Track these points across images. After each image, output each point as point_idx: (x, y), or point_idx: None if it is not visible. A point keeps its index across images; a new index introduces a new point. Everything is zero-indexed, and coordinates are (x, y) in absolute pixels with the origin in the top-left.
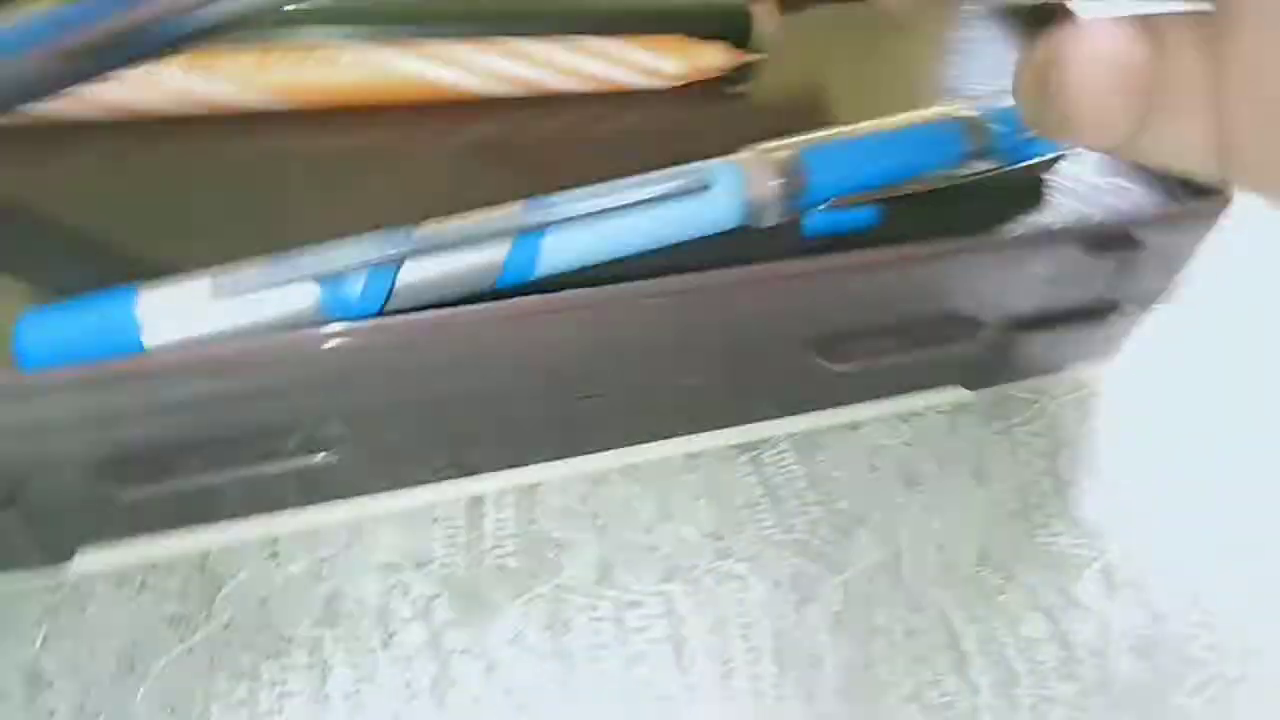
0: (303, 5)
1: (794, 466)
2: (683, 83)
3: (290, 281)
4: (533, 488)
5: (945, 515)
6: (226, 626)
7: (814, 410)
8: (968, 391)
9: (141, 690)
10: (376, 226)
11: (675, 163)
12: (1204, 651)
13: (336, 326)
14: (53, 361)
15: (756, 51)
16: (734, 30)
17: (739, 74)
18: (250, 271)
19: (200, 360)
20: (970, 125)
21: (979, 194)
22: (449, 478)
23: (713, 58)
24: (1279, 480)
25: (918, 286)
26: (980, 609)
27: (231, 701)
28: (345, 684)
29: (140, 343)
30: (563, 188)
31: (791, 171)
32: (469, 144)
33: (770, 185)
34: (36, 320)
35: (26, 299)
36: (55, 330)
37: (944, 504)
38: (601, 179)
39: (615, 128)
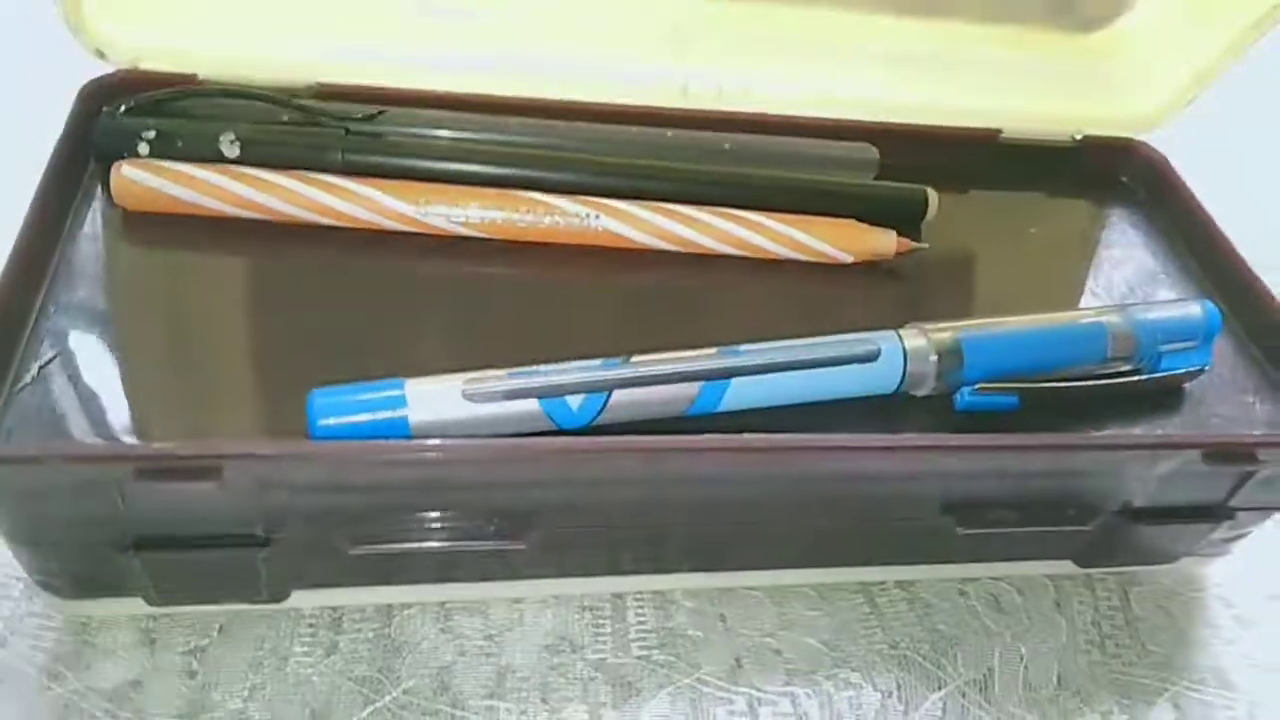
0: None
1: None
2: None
3: (528, 393)
4: (669, 591)
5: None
6: (408, 691)
7: (933, 563)
8: (1077, 567)
9: None
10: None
11: (828, 329)
12: None
13: (556, 440)
14: (334, 434)
15: (921, 239)
16: (908, 213)
17: (904, 255)
18: (495, 380)
19: (453, 452)
20: (1115, 331)
21: (1117, 395)
22: (598, 574)
23: (881, 245)
24: None
25: (1046, 470)
26: None
27: None
28: None
29: (408, 424)
30: (726, 338)
31: (949, 351)
32: (648, 290)
33: (930, 360)
34: (326, 396)
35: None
36: (341, 408)
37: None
38: (758, 336)
39: (775, 291)
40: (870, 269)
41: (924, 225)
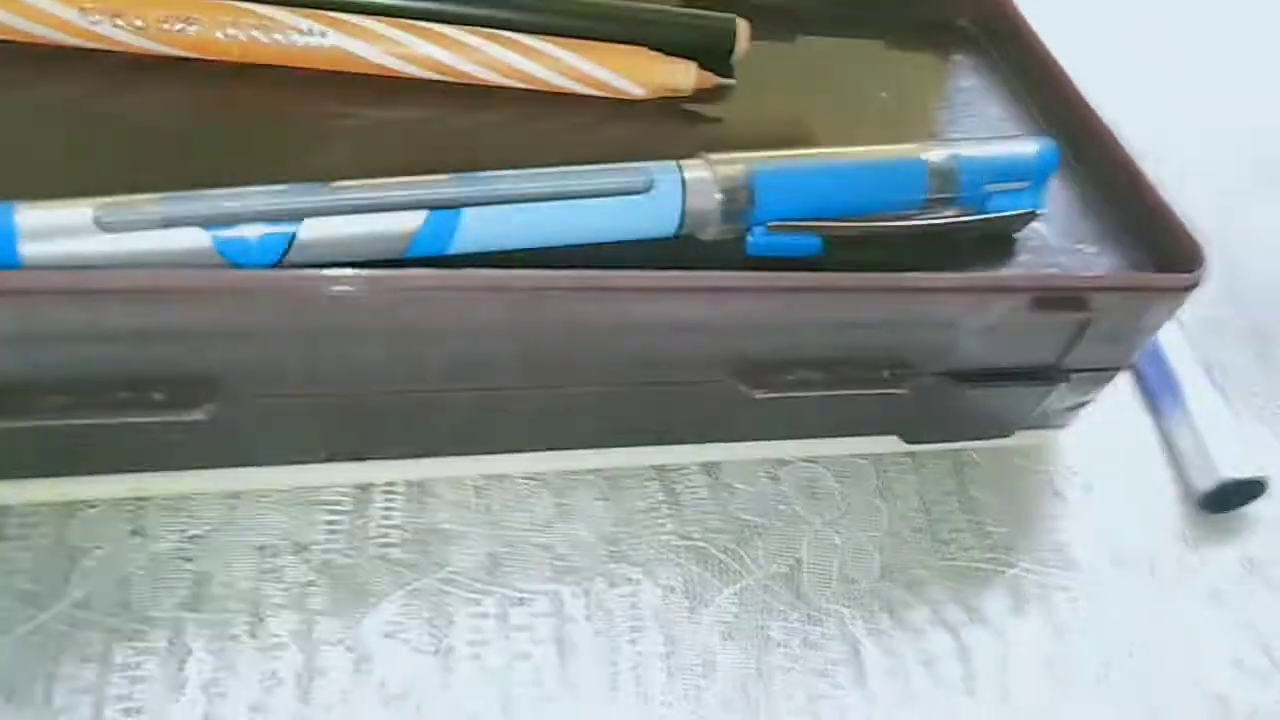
0: None
1: (702, 490)
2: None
3: (183, 222)
4: (428, 481)
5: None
6: (80, 605)
7: (731, 441)
8: (903, 443)
9: None
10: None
11: None
12: None
13: (230, 272)
14: None
15: (728, 75)
16: (714, 45)
17: (706, 94)
18: (142, 206)
19: (74, 284)
20: (937, 169)
21: (937, 241)
22: (338, 459)
23: (677, 78)
24: None
25: (851, 320)
26: None
27: (77, 685)
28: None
29: (16, 253)
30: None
31: (739, 186)
32: (393, 127)
33: (715, 197)
34: None
35: None
36: None
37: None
38: None
39: (558, 127)
40: (667, 107)
41: (735, 65)
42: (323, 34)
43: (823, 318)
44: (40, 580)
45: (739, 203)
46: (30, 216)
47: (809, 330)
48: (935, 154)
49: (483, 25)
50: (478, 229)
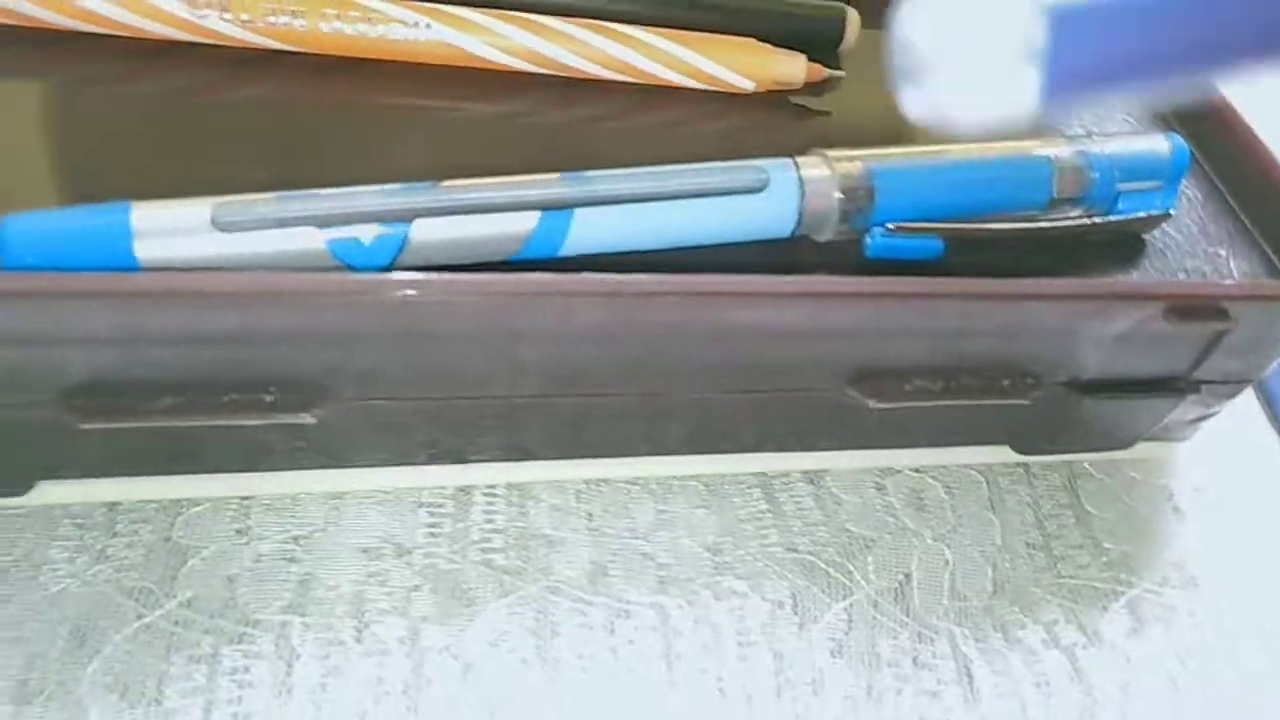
0: None
1: (806, 500)
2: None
3: (297, 222)
4: (528, 484)
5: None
6: (188, 605)
7: (837, 449)
8: (1014, 453)
9: (91, 666)
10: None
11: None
12: None
13: (343, 276)
14: (37, 265)
15: (837, 67)
16: (823, 36)
17: (813, 86)
18: (257, 205)
19: (190, 287)
20: (1064, 167)
21: (1063, 243)
22: (438, 461)
23: (788, 71)
24: None
25: (975, 328)
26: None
27: (187, 686)
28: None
29: (133, 255)
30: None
31: (859, 184)
32: (495, 122)
33: (835, 196)
34: (22, 220)
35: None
36: (43, 232)
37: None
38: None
39: (660, 121)
40: (775, 101)
41: (842, 53)
42: (426, 26)
43: (942, 325)
44: (149, 578)
45: (858, 202)
46: (146, 216)
47: (927, 337)
48: (1062, 151)
49: (584, 17)
50: (589, 230)
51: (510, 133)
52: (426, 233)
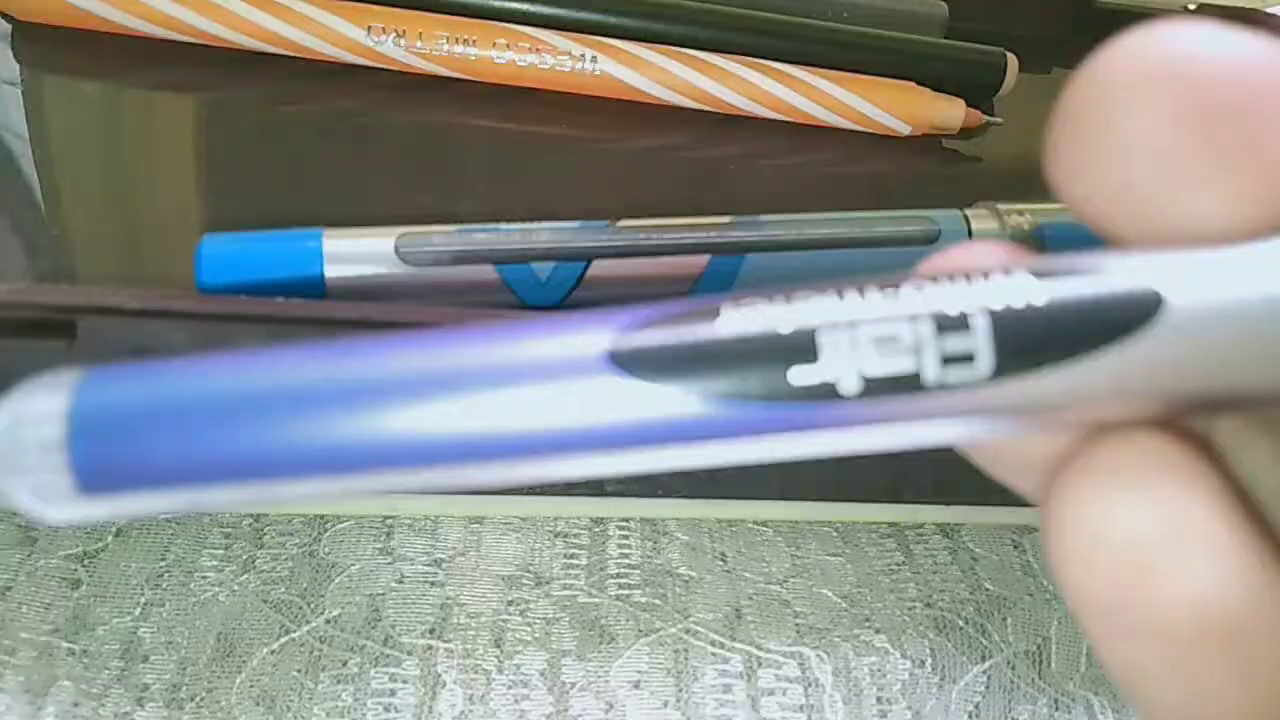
0: None
1: (942, 554)
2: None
3: (478, 258)
4: (661, 520)
5: None
6: (333, 623)
7: (974, 504)
8: None
9: (240, 677)
10: (555, 213)
11: (880, 208)
12: None
13: (515, 313)
14: (231, 288)
15: (991, 111)
16: (981, 81)
17: (967, 131)
18: (438, 239)
19: (382, 317)
20: None
21: None
22: (576, 493)
23: (947, 116)
24: None
25: None
26: None
27: (334, 706)
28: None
29: (322, 279)
30: (750, 211)
31: (1027, 239)
32: (656, 155)
33: None
34: (218, 241)
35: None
36: (237, 254)
37: None
38: (797, 210)
39: (814, 160)
40: (930, 145)
41: (998, 99)
42: (593, 60)
43: None
44: (294, 591)
45: None
46: (336, 243)
47: None
48: None
49: (745, 54)
50: (757, 275)
51: (668, 167)
52: (600, 271)
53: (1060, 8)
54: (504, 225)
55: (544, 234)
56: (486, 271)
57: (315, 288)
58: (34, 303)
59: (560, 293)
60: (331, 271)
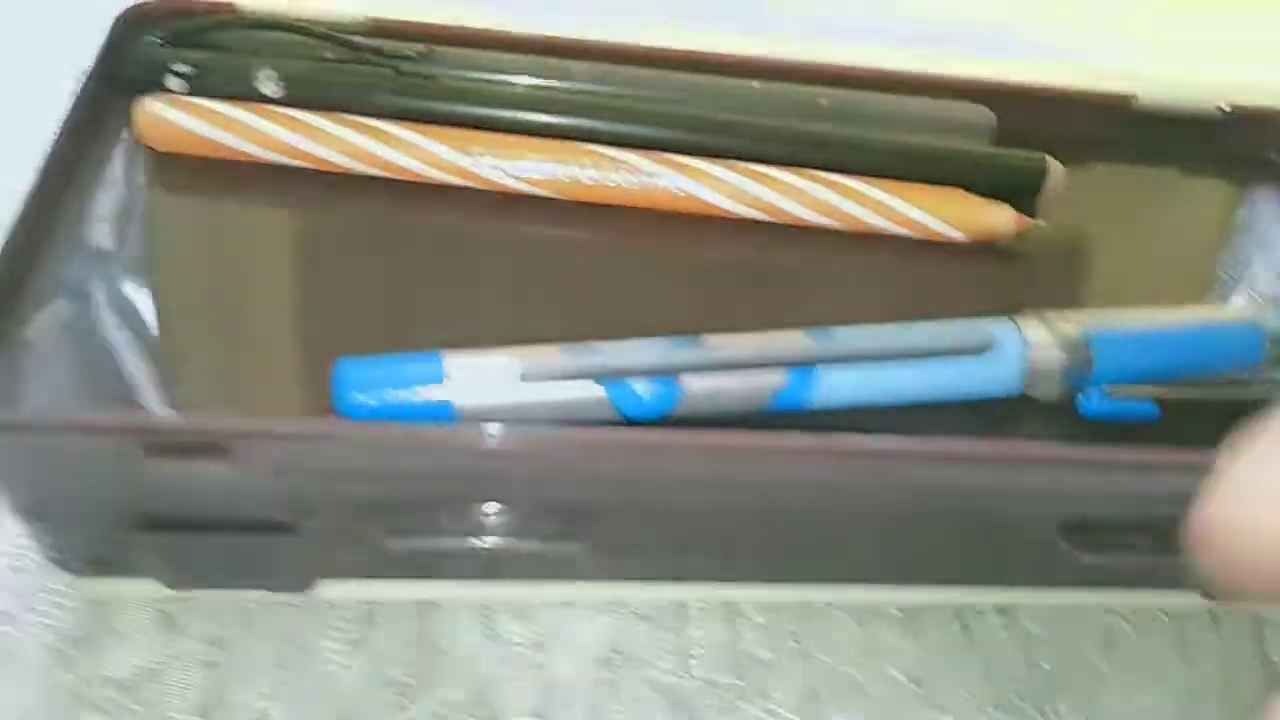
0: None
1: (1000, 633)
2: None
3: (585, 375)
4: (737, 603)
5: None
6: (444, 703)
7: (1035, 588)
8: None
9: None
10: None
11: (928, 313)
12: None
13: (622, 432)
14: (365, 412)
15: (1040, 216)
16: (1024, 185)
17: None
18: (556, 358)
19: (501, 440)
20: (1273, 332)
21: (1266, 406)
22: (658, 580)
23: (995, 222)
24: None
25: (1190, 491)
26: None
27: None
28: None
29: (451, 408)
30: (813, 322)
31: (1077, 347)
32: (726, 263)
33: (1056, 356)
34: (353, 365)
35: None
36: (368, 377)
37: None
38: (852, 319)
39: (871, 270)
40: (977, 249)
41: (1040, 201)
42: (668, 175)
43: (1165, 491)
44: (407, 671)
45: (1077, 364)
46: (457, 365)
47: (1148, 500)
48: (1272, 316)
49: (799, 165)
50: (829, 386)
51: (732, 279)
52: (694, 385)
53: (1101, 109)
54: (604, 345)
55: (642, 352)
56: (594, 388)
57: (442, 409)
58: (197, 428)
59: (660, 410)
60: (454, 390)
